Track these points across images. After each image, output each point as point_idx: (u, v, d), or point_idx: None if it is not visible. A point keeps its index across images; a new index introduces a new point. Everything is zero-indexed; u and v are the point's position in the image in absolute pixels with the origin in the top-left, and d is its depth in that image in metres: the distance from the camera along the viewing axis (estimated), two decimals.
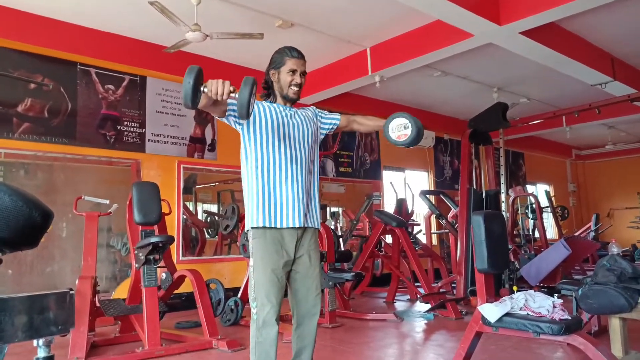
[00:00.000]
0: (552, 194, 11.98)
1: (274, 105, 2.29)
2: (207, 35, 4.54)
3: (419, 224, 8.54)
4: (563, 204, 12.04)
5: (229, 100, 2.10)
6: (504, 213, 6.43)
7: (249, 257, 2.20)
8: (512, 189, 8.57)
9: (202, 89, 1.81)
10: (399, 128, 2.15)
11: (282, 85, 2.27)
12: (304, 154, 2.26)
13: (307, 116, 2.35)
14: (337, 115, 2.46)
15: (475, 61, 6.57)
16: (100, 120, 5.55)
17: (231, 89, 1.85)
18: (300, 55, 2.28)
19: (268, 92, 2.34)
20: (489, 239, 2.81)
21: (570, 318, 2.51)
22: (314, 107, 2.47)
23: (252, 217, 2.16)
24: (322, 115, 2.45)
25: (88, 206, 4.73)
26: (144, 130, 5.86)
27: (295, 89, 2.27)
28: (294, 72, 2.25)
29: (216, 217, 6.76)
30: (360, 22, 5.50)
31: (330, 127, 2.44)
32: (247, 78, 1.84)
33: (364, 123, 2.46)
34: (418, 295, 5.97)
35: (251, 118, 2.18)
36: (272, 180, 2.17)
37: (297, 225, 2.17)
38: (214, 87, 1.84)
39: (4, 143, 4.91)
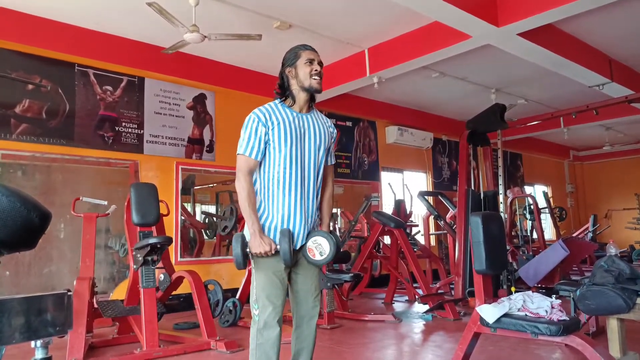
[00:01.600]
0: (550, 195, 12.00)
1: (288, 111, 2.19)
2: (205, 37, 4.54)
3: (417, 225, 8.55)
4: (561, 205, 12.07)
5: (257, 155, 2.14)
6: (502, 214, 6.44)
7: (250, 256, 2.19)
8: (510, 190, 8.59)
9: (247, 251, 2.08)
10: (317, 247, 2.14)
11: (301, 78, 2.17)
12: (313, 167, 2.21)
13: (324, 125, 2.28)
14: (332, 161, 2.40)
15: (473, 62, 6.58)
16: (98, 121, 5.54)
17: (272, 246, 2.07)
18: (313, 48, 2.25)
19: (284, 94, 2.23)
20: (487, 240, 2.81)
21: (568, 319, 2.52)
22: (333, 126, 2.37)
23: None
24: (333, 138, 2.36)
25: (86, 207, 4.73)
26: (142, 131, 5.85)
27: (317, 78, 2.18)
28: (311, 61, 2.19)
29: (214, 218, 6.76)
30: (358, 24, 5.51)
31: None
32: (282, 230, 2.08)
33: (324, 198, 2.36)
34: (416, 296, 5.97)
35: (268, 137, 2.14)
36: (280, 205, 2.14)
37: (297, 247, 2.16)
38: (258, 249, 2.05)
39: (2, 144, 4.90)
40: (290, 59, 2.23)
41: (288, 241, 2.04)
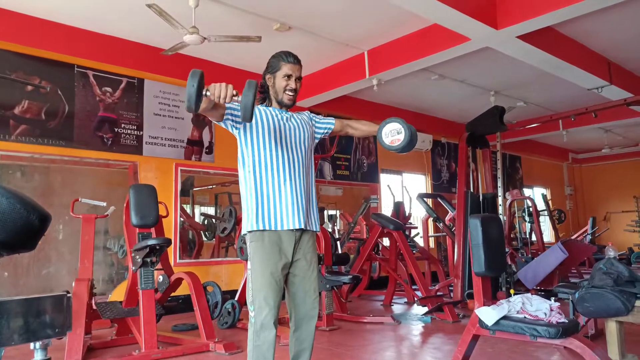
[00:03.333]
0: (549, 197, 12.01)
1: (270, 109, 2.29)
2: (205, 38, 4.55)
3: (416, 227, 8.55)
4: (560, 208, 12.08)
5: (228, 105, 2.11)
6: (501, 216, 6.45)
7: (246, 260, 2.19)
8: (509, 192, 8.59)
9: (204, 92, 1.83)
10: (392, 133, 2.16)
11: (277, 90, 2.28)
12: (301, 157, 2.26)
13: (302, 120, 2.36)
14: (332, 120, 2.47)
15: (473, 65, 6.60)
16: (98, 122, 5.54)
17: (234, 92, 1.87)
18: (296, 61, 2.28)
19: (264, 95, 2.34)
20: (486, 242, 2.81)
21: (567, 321, 2.52)
22: (309, 112, 2.48)
23: (250, 221, 2.15)
24: (317, 119, 2.46)
25: (85, 208, 4.72)
26: (141, 132, 5.85)
27: (290, 94, 2.27)
28: (289, 77, 2.25)
29: (213, 220, 6.75)
30: (357, 26, 5.51)
31: (325, 131, 2.45)
32: (249, 81, 1.84)
33: (358, 127, 2.48)
34: (415, 298, 5.97)
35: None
36: (270, 184, 2.17)
37: (297, 227, 2.16)
38: (217, 91, 1.86)
39: (1, 145, 4.89)
40: (272, 66, 2.30)
41: (253, 93, 1.81)
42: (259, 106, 2.30)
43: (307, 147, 2.31)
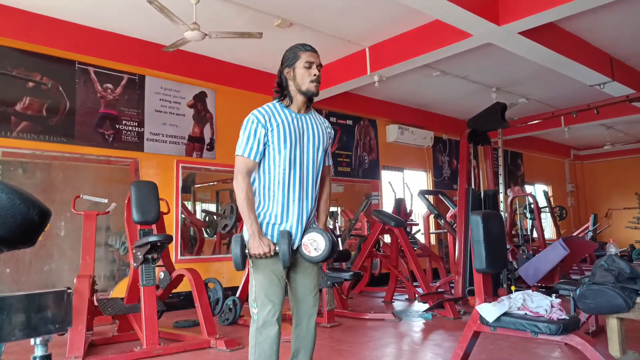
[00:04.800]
0: (550, 194, 12.00)
1: (287, 112, 2.18)
2: (206, 34, 4.54)
3: (417, 224, 8.55)
4: (561, 204, 12.07)
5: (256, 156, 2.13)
6: (502, 213, 6.44)
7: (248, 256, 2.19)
8: (510, 189, 8.59)
9: (246, 252, 2.08)
10: (312, 243, 2.13)
11: (299, 81, 2.16)
12: (313, 170, 2.21)
13: (320, 125, 2.27)
14: (329, 161, 2.35)
15: (474, 61, 6.58)
16: (99, 119, 5.54)
17: (271, 247, 2.07)
18: (313, 49, 2.21)
19: (282, 93, 2.22)
20: (487, 239, 2.81)
21: (568, 318, 2.52)
22: (330, 127, 2.36)
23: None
24: (330, 141, 2.34)
25: (86, 205, 4.73)
26: (142, 129, 5.85)
27: (315, 82, 2.17)
28: (310, 64, 2.16)
29: (215, 217, 6.76)
30: (359, 22, 5.50)
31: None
32: (282, 232, 2.09)
33: (321, 197, 2.34)
34: (416, 295, 5.97)
35: (267, 137, 2.13)
36: (279, 202, 2.14)
37: (295, 247, 2.16)
38: (257, 250, 2.05)
39: (2, 142, 4.90)
40: (289, 59, 2.20)
41: (287, 243, 2.04)
42: (277, 106, 2.19)
43: (320, 156, 2.25)
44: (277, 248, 2.07)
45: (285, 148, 2.13)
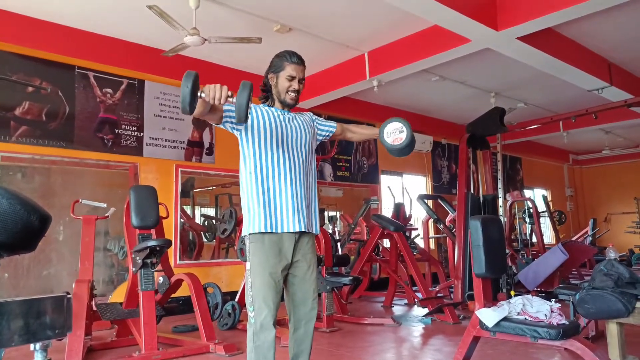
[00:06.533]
0: (549, 198, 12.00)
1: (272, 109, 2.28)
2: (205, 40, 4.55)
3: (416, 229, 8.55)
4: (560, 209, 12.07)
5: (226, 107, 2.10)
6: (501, 218, 6.44)
7: (246, 261, 2.19)
8: (509, 193, 8.58)
9: (199, 93, 1.81)
10: (394, 132, 2.18)
11: (280, 90, 2.26)
12: (302, 158, 2.26)
13: (304, 121, 2.35)
14: (333, 123, 2.48)
15: (473, 66, 6.60)
16: (98, 123, 5.54)
17: (229, 93, 1.85)
18: (300, 61, 2.27)
19: (266, 94, 2.33)
20: (486, 244, 2.81)
21: (567, 323, 2.52)
22: (311, 114, 2.48)
23: (251, 223, 2.15)
24: (319, 122, 2.46)
25: (85, 210, 4.72)
26: (141, 133, 5.86)
27: (293, 95, 2.26)
28: (292, 78, 2.24)
29: (214, 221, 6.75)
30: (358, 27, 5.52)
31: (326, 133, 2.46)
32: (244, 82, 1.84)
33: (358, 131, 2.51)
34: (416, 300, 5.96)
35: (249, 123, 2.18)
36: (271, 185, 2.17)
37: (297, 229, 2.16)
38: (212, 92, 1.84)
39: (2, 146, 4.89)
40: (275, 66, 2.29)
41: (247, 94, 1.82)
42: (260, 105, 2.30)
43: (308, 149, 2.30)
44: (232, 100, 1.85)
45: (270, 130, 2.19)
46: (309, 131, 2.33)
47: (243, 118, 1.84)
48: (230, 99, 1.86)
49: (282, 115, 2.27)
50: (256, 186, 2.17)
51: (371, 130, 2.47)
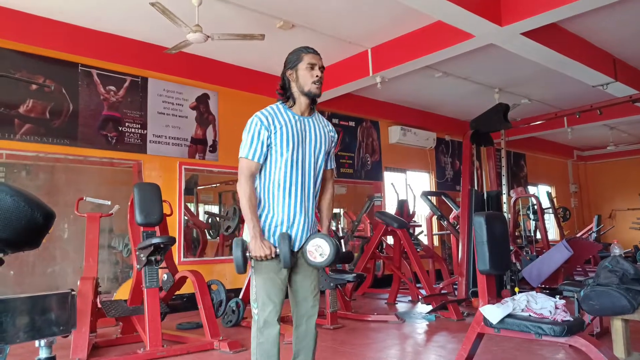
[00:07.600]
0: (553, 195, 11.97)
1: (290, 114, 2.20)
2: (208, 37, 4.55)
3: (420, 225, 8.53)
4: (565, 205, 12.03)
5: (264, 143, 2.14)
6: (505, 214, 6.43)
7: (250, 259, 2.19)
8: (513, 190, 8.57)
9: (248, 256, 2.10)
10: (317, 249, 2.13)
11: (301, 83, 2.18)
12: (314, 172, 2.22)
13: (323, 127, 2.28)
14: (332, 164, 2.38)
15: (477, 62, 6.57)
16: (102, 121, 5.55)
17: (272, 250, 2.08)
18: (316, 52, 2.23)
19: (286, 95, 2.24)
20: (490, 240, 2.80)
21: (572, 319, 2.51)
22: (333, 128, 2.38)
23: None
24: (333, 144, 2.35)
25: (89, 207, 4.74)
26: (145, 131, 5.87)
27: (317, 84, 2.19)
28: (312, 66, 2.18)
29: (217, 218, 6.76)
30: (361, 23, 5.50)
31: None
32: (282, 234, 2.10)
33: (324, 203, 2.37)
34: (419, 297, 5.96)
35: (270, 140, 2.14)
36: (281, 206, 2.15)
37: (296, 249, 2.18)
38: (258, 253, 2.06)
39: (6, 144, 4.91)
40: (292, 61, 2.22)
41: (288, 245, 2.06)
42: (279, 105, 2.22)
43: (321, 159, 2.26)
44: (277, 251, 2.09)
45: (287, 151, 2.14)
46: (325, 140, 2.26)
47: (288, 265, 2.09)
48: (276, 252, 2.10)
49: (300, 123, 2.20)
50: (264, 201, 2.18)
51: (327, 216, 2.37)
